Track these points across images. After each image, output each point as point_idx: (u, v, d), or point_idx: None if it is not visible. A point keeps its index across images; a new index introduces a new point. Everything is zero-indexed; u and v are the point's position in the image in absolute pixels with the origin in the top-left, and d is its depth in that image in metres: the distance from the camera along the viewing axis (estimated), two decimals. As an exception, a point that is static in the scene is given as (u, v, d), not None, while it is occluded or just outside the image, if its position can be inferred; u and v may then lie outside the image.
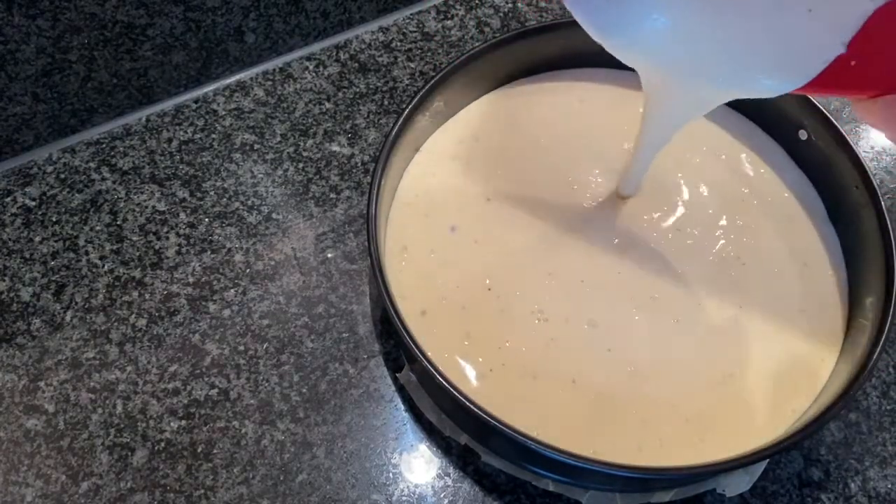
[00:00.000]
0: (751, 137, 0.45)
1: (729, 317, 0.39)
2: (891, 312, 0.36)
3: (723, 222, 0.42)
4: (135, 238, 0.45)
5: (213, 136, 0.49)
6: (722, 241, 0.41)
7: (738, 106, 0.46)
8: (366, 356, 0.41)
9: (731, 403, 0.37)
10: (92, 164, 0.48)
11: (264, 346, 0.42)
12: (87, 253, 0.45)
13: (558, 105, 0.46)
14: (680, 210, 0.43)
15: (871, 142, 0.51)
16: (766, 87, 0.29)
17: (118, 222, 0.46)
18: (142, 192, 0.47)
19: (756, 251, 0.41)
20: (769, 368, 0.38)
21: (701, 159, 0.45)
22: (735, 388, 0.37)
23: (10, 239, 0.45)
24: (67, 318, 0.42)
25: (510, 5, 0.55)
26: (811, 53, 0.26)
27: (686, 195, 0.43)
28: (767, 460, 0.37)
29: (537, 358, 0.38)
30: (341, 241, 0.45)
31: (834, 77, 0.27)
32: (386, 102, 0.50)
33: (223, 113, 0.50)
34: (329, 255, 0.44)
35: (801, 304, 0.40)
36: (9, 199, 0.46)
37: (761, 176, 0.44)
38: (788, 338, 0.39)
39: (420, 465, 0.39)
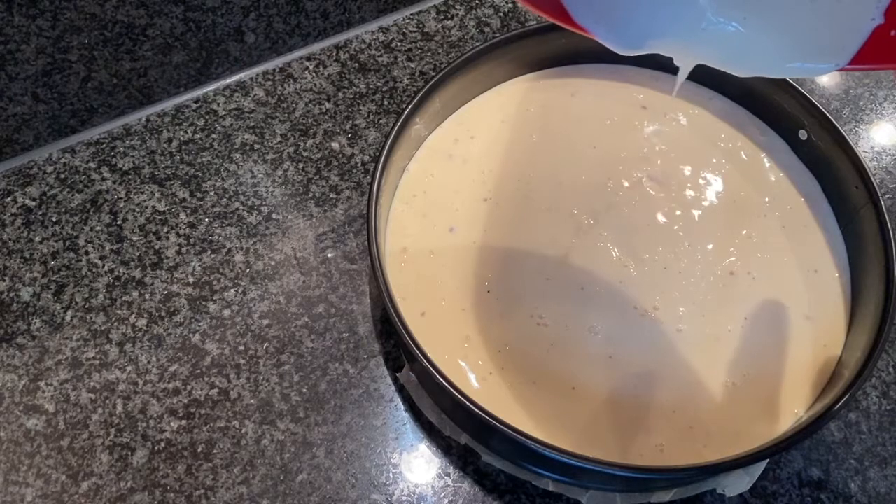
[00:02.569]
0: (763, 135, 0.45)
1: (734, 327, 0.39)
2: (891, 312, 0.36)
3: (737, 240, 0.41)
4: (135, 238, 0.45)
5: (213, 136, 0.49)
6: (733, 258, 0.41)
7: (744, 104, 0.46)
8: (366, 356, 0.41)
9: (733, 410, 0.37)
10: (92, 164, 0.48)
11: (264, 346, 0.42)
12: (87, 253, 0.45)
13: (551, 100, 0.46)
14: (693, 221, 0.42)
15: (871, 142, 0.51)
16: (805, 71, 0.28)
17: (118, 222, 0.46)
18: (142, 192, 0.47)
19: (768, 265, 0.41)
20: (773, 375, 0.38)
21: (719, 160, 0.44)
22: (738, 395, 0.37)
23: (10, 239, 0.45)
24: (67, 318, 0.42)
25: (510, 5, 0.55)
26: (847, 29, 0.26)
27: (704, 205, 0.43)
28: (767, 460, 0.38)
29: (537, 363, 0.38)
30: (341, 241, 0.45)
31: (877, 51, 0.26)
32: (386, 102, 0.50)
33: (223, 113, 0.50)
34: (329, 255, 0.44)
35: (807, 311, 0.40)
36: (9, 199, 0.46)
37: (780, 182, 0.44)
38: (794, 345, 0.39)
39: (420, 465, 0.39)
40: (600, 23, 0.29)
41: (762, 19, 0.27)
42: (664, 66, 0.46)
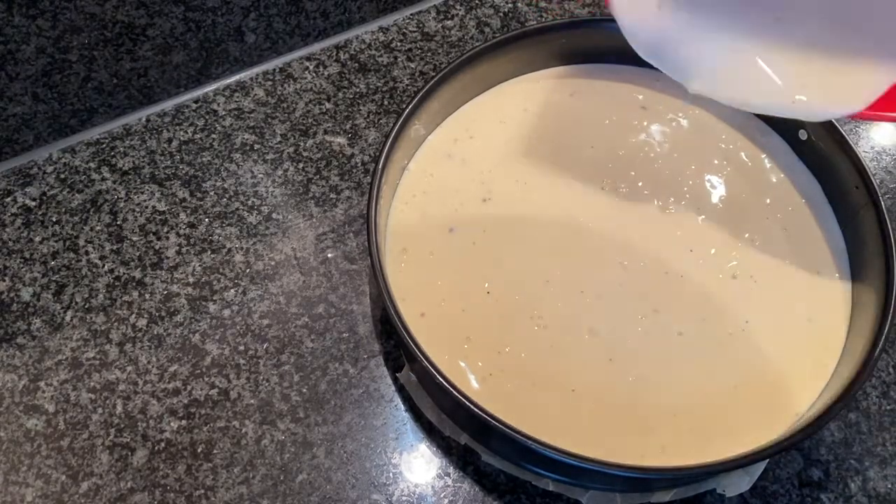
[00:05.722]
0: (764, 136, 0.45)
1: (735, 331, 0.39)
2: (891, 313, 0.36)
3: (740, 243, 0.41)
4: (135, 238, 0.45)
5: (213, 136, 0.49)
6: (735, 262, 0.41)
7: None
8: (366, 356, 0.41)
9: (734, 412, 0.37)
10: (92, 164, 0.48)
11: (264, 346, 0.42)
12: (87, 253, 0.45)
13: (551, 100, 0.46)
14: (695, 224, 0.42)
15: (871, 142, 0.51)
16: (824, 115, 0.29)
17: (118, 222, 0.46)
18: (142, 192, 0.47)
19: (770, 268, 0.40)
20: (773, 377, 0.38)
21: (720, 162, 0.44)
22: (739, 397, 0.37)
23: (10, 239, 0.45)
24: (67, 318, 0.42)
25: (510, 5, 0.55)
26: (872, 78, 0.26)
27: (705, 208, 0.42)
28: (767, 460, 0.38)
29: (537, 364, 0.38)
30: (341, 241, 0.45)
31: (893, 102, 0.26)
32: (386, 102, 0.50)
33: (223, 113, 0.50)
34: (329, 255, 0.44)
35: (808, 313, 0.39)
36: (9, 199, 0.46)
37: (781, 183, 0.43)
38: (795, 347, 0.38)
39: (420, 465, 0.39)
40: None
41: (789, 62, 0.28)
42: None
